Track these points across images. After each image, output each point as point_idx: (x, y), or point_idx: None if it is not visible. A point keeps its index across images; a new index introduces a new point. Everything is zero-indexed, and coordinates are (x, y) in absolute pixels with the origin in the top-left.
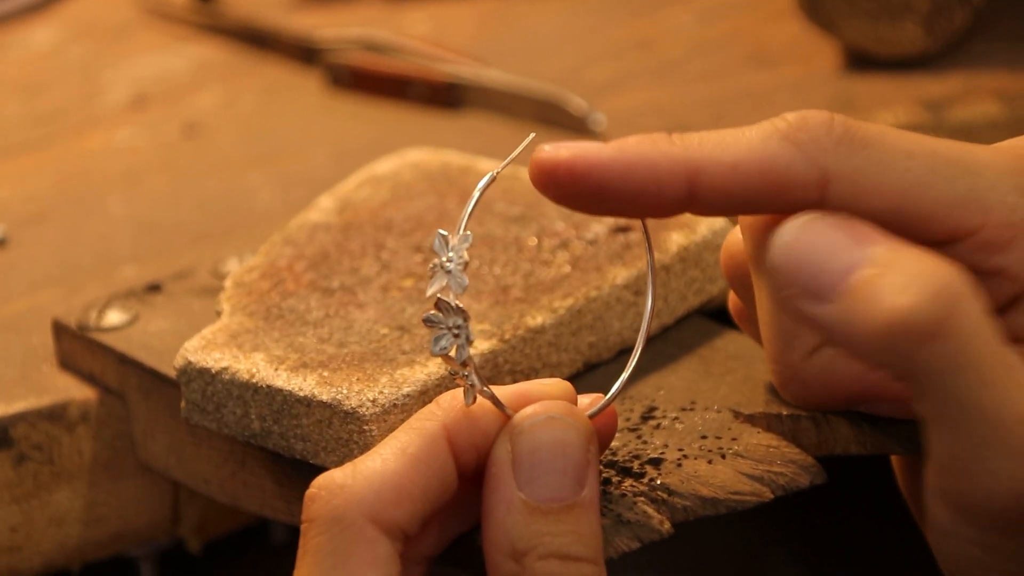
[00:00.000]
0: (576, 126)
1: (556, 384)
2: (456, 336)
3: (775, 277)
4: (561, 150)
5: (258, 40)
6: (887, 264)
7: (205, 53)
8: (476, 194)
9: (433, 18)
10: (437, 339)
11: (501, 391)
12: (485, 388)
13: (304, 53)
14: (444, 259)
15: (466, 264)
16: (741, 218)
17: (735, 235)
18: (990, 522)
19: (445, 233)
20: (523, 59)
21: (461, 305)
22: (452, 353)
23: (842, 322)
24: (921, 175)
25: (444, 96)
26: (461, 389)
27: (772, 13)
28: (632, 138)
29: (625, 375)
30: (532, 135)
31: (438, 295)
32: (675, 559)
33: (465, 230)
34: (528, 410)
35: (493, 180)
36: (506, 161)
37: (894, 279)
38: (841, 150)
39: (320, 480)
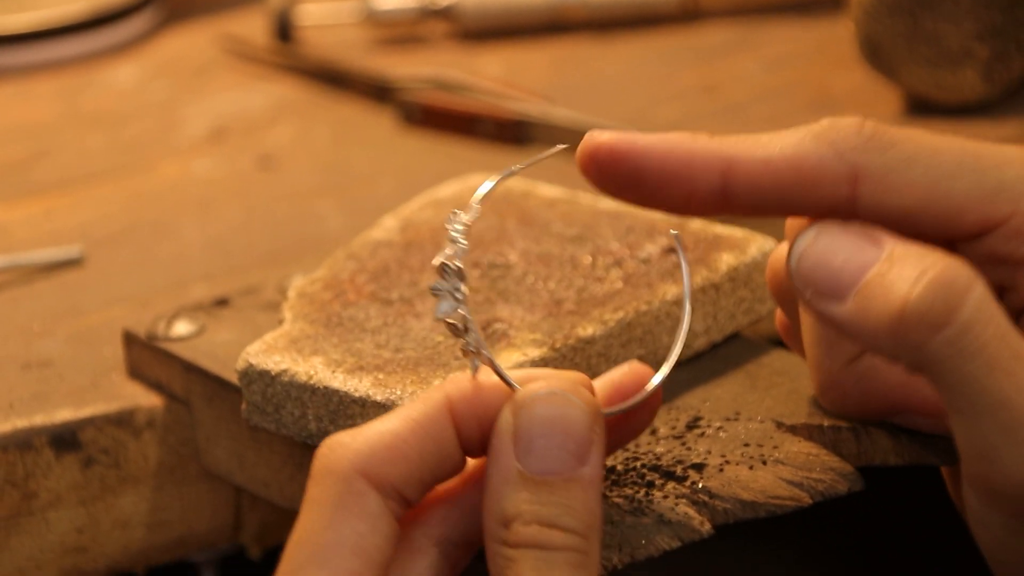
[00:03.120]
0: None
1: (571, 373)
2: (456, 299)
3: (795, 281)
4: (604, 135)
5: (334, 79)
6: (895, 260)
7: (283, 91)
8: (495, 179)
9: (505, 61)
10: (440, 305)
11: (512, 373)
12: (485, 352)
13: (378, 92)
14: (451, 229)
15: (468, 228)
16: (787, 229)
17: (779, 251)
18: (1014, 508)
19: (457, 211)
20: (591, 100)
21: (462, 268)
22: (454, 319)
23: (856, 319)
24: (949, 169)
25: (511, 133)
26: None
27: (836, 62)
28: (673, 132)
29: (673, 356)
30: (562, 146)
31: (442, 260)
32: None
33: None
34: (533, 385)
35: (514, 174)
36: (532, 160)
37: (902, 272)
38: (871, 147)
39: (327, 440)
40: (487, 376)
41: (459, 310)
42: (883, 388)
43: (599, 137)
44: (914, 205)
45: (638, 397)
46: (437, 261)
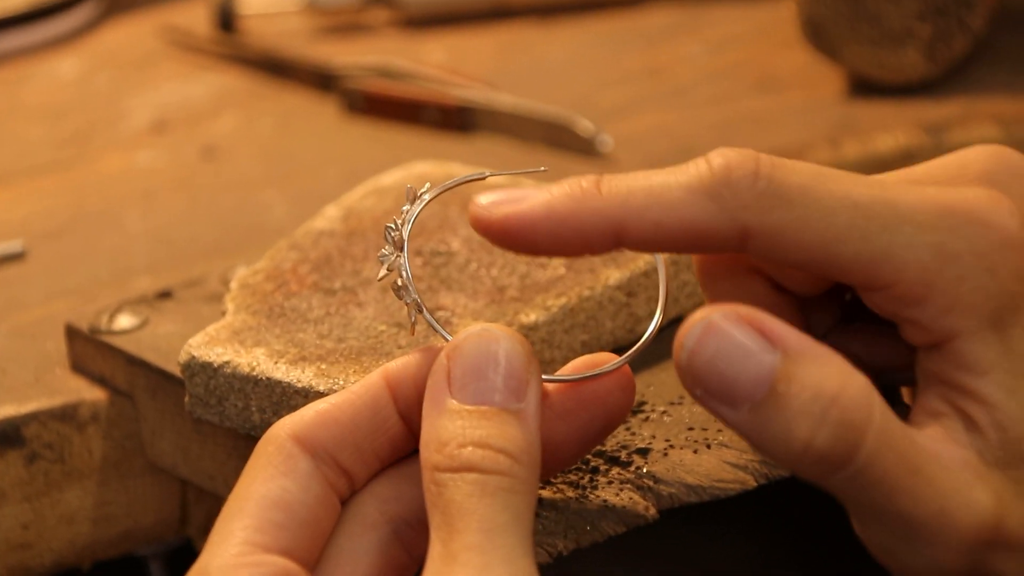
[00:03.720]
0: (584, 148)
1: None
2: (394, 255)
3: (683, 378)
4: (494, 211)
5: (277, 68)
6: (794, 376)
7: (225, 81)
8: (459, 177)
9: (449, 48)
10: (383, 263)
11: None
12: (419, 300)
13: (321, 80)
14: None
15: (419, 197)
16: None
17: None
18: None
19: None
20: (536, 86)
21: (405, 233)
22: (394, 273)
23: (750, 432)
24: (840, 232)
25: (456, 120)
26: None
27: (780, 43)
28: (561, 193)
29: (644, 339)
30: (543, 168)
31: (385, 224)
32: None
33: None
34: (465, 329)
35: (482, 179)
36: (504, 172)
37: (803, 396)
38: (763, 206)
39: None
40: (422, 328)
41: (400, 263)
42: None
43: (489, 215)
44: (802, 261)
45: (600, 369)
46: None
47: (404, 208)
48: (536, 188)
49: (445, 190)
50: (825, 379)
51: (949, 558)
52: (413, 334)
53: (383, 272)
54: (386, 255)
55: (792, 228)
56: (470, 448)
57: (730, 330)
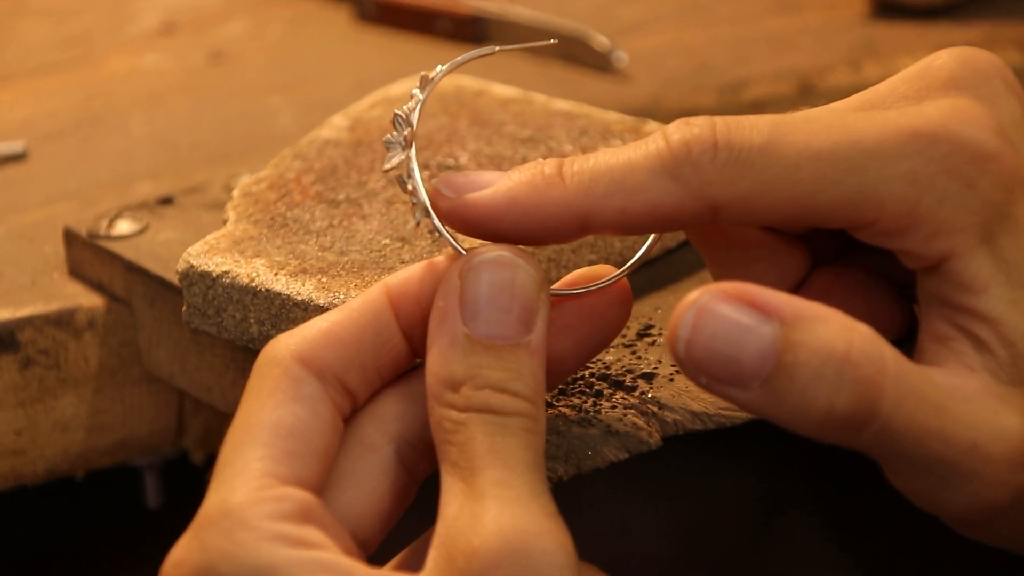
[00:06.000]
0: (599, 63)
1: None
2: (404, 148)
3: (684, 369)
4: (458, 203)
5: None
6: (797, 342)
7: None
8: (469, 54)
9: None
10: (390, 157)
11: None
12: (425, 203)
13: None
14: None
15: (431, 81)
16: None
17: None
18: (960, 522)
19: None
20: None
21: (414, 120)
22: (398, 165)
23: (768, 408)
24: (809, 185)
25: (469, 30)
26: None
27: None
28: (524, 182)
29: (642, 251)
30: (553, 40)
31: (394, 110)
32: (688, 516)
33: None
34: (480, 248)
35: (492, 53)
36: (512, 47)
37: (811, 368)
38: (726, 177)
39: (272, 340)
40: (426, 231)
41: (407, 158)
42: None
43: (451, 205)
44: (780, 218)
45: (597, 283)
46: (396, 111)
47: (414, 91)
48: (498, 173)
49: (455, 67)
50: (831, 339)
51: (992, 489)
52: (418, 235)
53: (388, 164)
54: (392, 141)
55: (760, 192)
56: (487, 391)
57: (722, 310)
